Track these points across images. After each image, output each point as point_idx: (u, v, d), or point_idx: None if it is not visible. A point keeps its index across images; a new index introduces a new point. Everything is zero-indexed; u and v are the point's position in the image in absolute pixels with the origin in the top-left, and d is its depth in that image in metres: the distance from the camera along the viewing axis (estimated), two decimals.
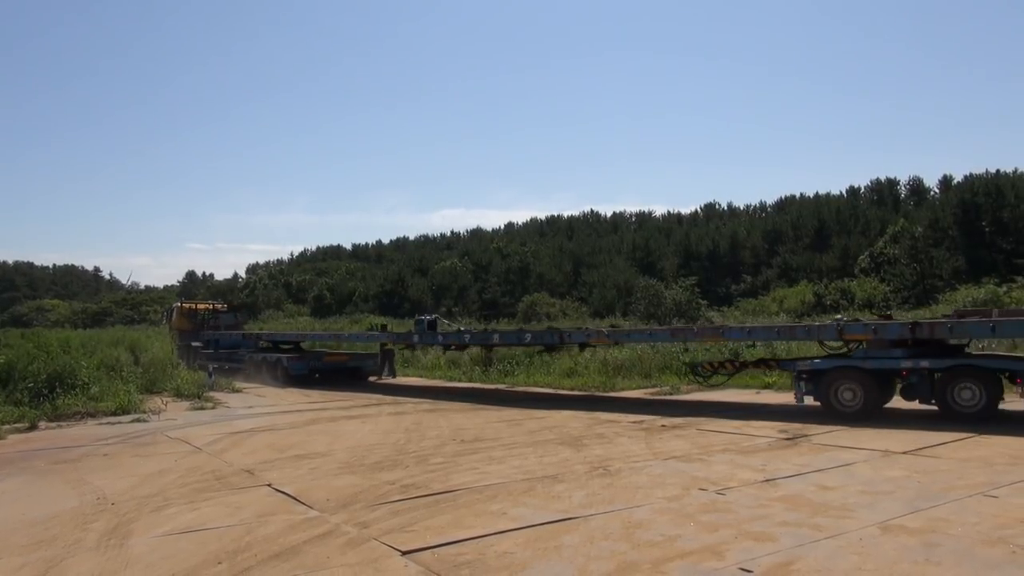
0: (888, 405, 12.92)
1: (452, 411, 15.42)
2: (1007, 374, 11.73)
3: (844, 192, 79.26)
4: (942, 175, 78.57)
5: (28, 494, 8.53)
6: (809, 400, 13.08)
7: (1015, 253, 46.16)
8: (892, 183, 76.46)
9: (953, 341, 12.63)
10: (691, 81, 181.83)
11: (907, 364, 12.07)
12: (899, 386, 12.63)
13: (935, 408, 12.04)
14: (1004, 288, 34.15)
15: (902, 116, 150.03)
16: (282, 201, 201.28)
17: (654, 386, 18.73)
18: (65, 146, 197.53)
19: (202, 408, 16.73)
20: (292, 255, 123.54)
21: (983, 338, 12.41)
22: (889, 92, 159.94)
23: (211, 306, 33.01)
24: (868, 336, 12.79)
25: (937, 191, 72.51)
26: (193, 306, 32.75)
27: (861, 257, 51.53)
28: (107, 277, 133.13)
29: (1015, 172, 59.98)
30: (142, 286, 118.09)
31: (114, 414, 15.19)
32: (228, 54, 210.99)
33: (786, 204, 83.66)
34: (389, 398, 18.54)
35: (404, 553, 5.80)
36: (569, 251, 78.56)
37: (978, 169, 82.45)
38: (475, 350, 23.80)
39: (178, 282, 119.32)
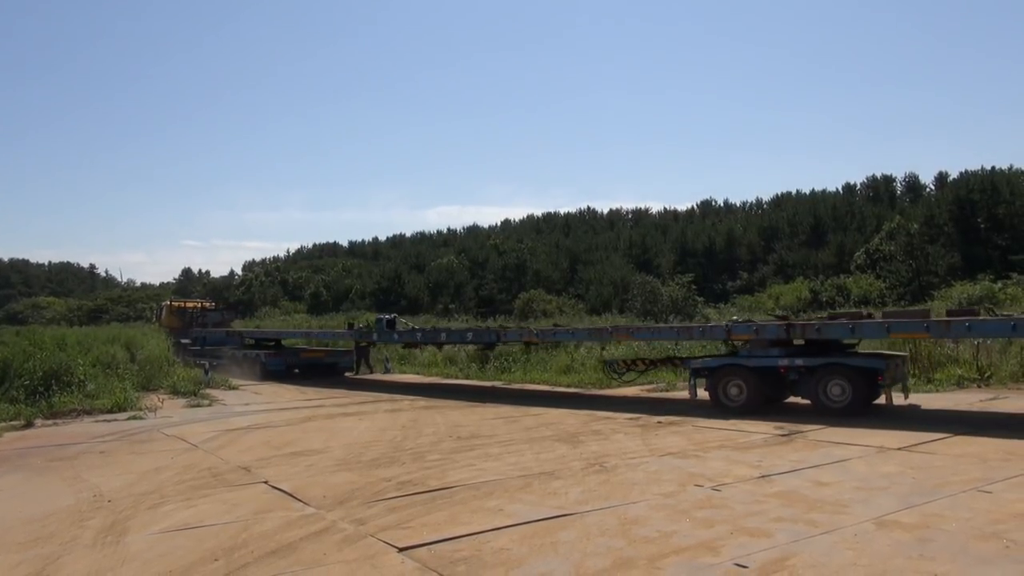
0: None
1: (449, 408, 15.44)
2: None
3: (840, 189, 79.39)
4: (938, 172, 78.78)
5: (24, 491, 8.52)
6: (703, 395, 13.83)
7: (1010, 250, 46.26)
8: (888, 180, 76.61)
9: (848, 340, 13.20)
10: (687, 78, 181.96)
11: (784, 362, 12.90)
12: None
13: (909, 404, 12.24)
14: (999, 284, 34.25)
15: (898, 112, 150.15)
16: (277, 198, 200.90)
17: (650, 383, 18.76)
18: (59, 143, 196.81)
19: (198, 405, 16.72)
20: (288, 252, 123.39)
21: (843, 338, 12.96)
22: (885, 88, 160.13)
23: (200, 304, 34.33)
24: (751, 336, 13.57)
25: (933, 188, 72.62)
26: (182, 304, 34.16)
27: (857, 254, 51.62)
28: (103, 274, 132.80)
29: (1011, 168, 60.08)
30: (138, 283, 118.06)
31: (110, 411, 15.17)
32: (222, 50, 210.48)
33: (782, 201, 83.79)
34: (385, 395, 18.54)
35: (401, 549, 5.82)
36: (566, 248, 78.56)
37: (974, 166, 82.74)
38: (471, 348, 23.85)
39: (174, 279, 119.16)
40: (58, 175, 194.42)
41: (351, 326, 25.57)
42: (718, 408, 13.27)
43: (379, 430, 12.59)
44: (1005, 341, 16.81)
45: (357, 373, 24.65)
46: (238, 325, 36.98)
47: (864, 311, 15.69)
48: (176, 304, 34.15)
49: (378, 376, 25.44)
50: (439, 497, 7.51)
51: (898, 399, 12.77)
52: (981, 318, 12.23)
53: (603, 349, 21.39)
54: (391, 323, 22.79)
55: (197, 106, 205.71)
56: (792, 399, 13.48)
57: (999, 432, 10.24)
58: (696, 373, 14.04)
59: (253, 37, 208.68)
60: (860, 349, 13.62)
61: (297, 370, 24.62)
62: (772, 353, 13.17)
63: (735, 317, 18.09)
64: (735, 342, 14.11)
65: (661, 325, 20.31)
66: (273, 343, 26.88)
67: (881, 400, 12.19)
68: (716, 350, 15.99)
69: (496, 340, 19.79)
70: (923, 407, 13.02)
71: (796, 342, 13.37)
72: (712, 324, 15.30)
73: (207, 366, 22.51)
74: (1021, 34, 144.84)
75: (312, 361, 25.20)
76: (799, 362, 12.75)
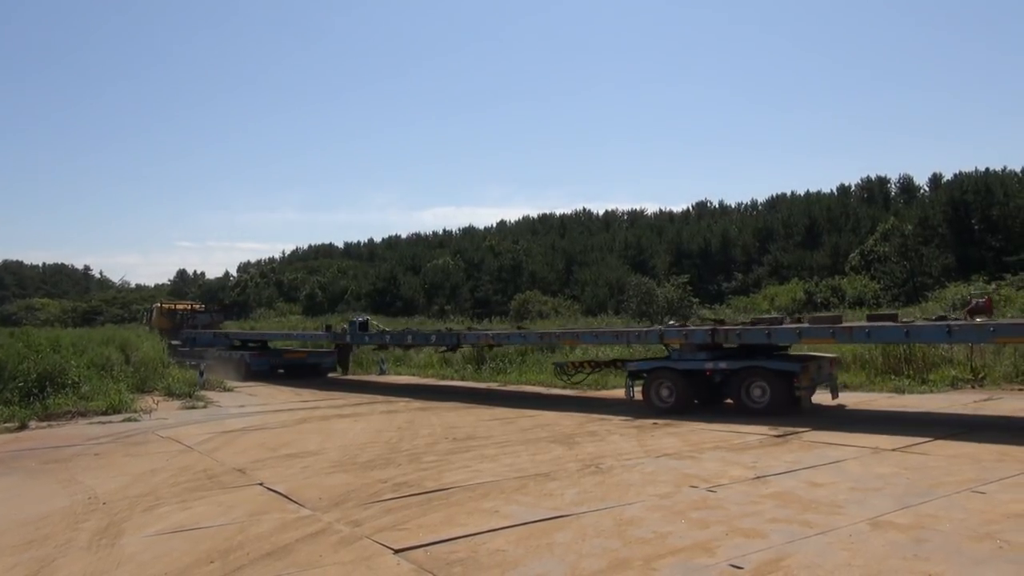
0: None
1: (444, 409, 15.43)
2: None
3: (835, 190, 79.66)
4: (932, 173, 79.24)
5: (19, 494, 8.49)
6: (638, 396, 14.30)
7: (1004, 251, 46.44)
8: (883, 181, 76.86)
9: (783, 343, 13.64)
10: (683, 80, 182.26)
11: (709, 365, 13.46)
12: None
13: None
14: (993, 285, 34.36)
15: (892, 114, 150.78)
16: (272, 199, 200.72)
17: None
18: (52, 144, 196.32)
19: (193, 407, 16.68)
20: (284, 253, 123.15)
21: (761, 343, 13.36)
22: (880, 90, 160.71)
23: (189, 306, 35.50)
24: (681, 340, 14.08)
25: (927, 189, 72.93)
26: (172, 306, 35.04)
27: (852, 255, 51.77)
28: (97, 276, 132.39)
29: (1004, 170, 60.39)
30: (132, 284, 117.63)
31: (105, 413, 15.11)
32: (215, 50, 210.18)
33: (777, 202, 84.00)
34: (381, 397, 18.53)
35: (397, 551, 5.81)
36: (561, 249, 78.62)
37: (967, 167, 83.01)
38: (467, 349, 23.85)
39: (169, 280, 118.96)
40: (52, 176, 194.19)
41: (329, 328, 26.03)
42: (651, 408, 13.73)
43: (375, 431, 12.58)
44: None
45: (345, 373, 25.44)
46: (232, 326, 37.43)
47: (784, 316, 16.63)
48: (166, 306, 35.03)
49: (374, 377, 25.45)
50: (435, 498, 7.51)
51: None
52: (879, 324, 12.71)
53: (569, 352, 21.45)
54: (363, 325, 23.45)
55: (190, 107, 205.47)
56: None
57: (993, 433, 10.29)
58: (633, 375, 14.54)
59: (247, 37, 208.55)
60: (795, 352, 14.19)
61: (282, 370, 25.26)
62: (699, 356, 13.66)
63: (671, 322, 18.91)
64: (668, 346, 14.58)
65: (603, 329, 21.12)
66: (259, 344, 27.48)
67: (823, 399, 12.75)
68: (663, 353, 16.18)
69: (457, 342, 20.41)
70: (848, 407, 13.62)
71: (727, 346, 13.85)
72: (647, 329, 16.06)
73: (202, 368, 22.50)
74: (1015, 35, 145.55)
75: (295, 362, 25.84)
76: (723, 365, 13.33)
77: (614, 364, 16.38)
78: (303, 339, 28.84)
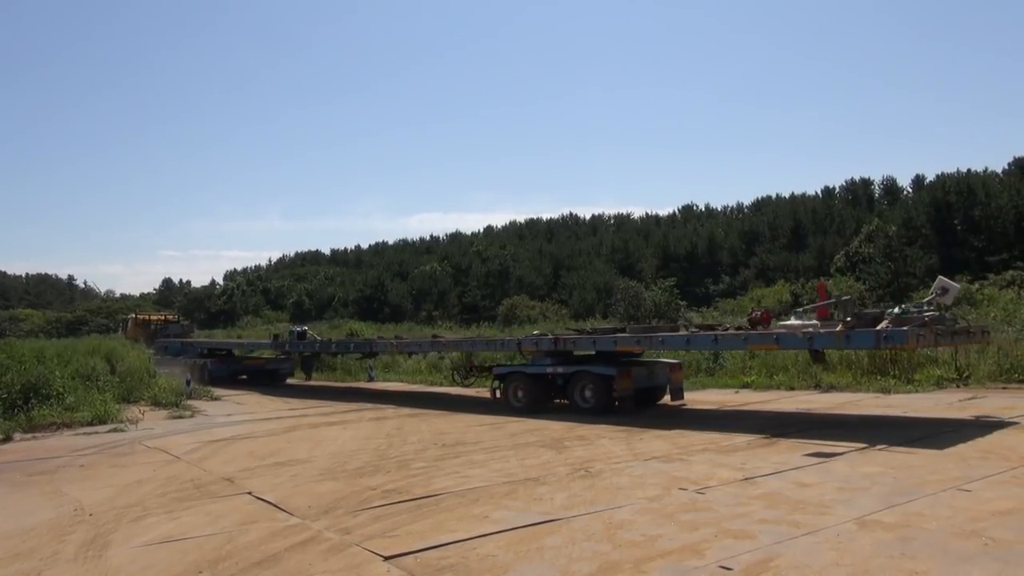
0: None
1: (433, 415, 15.40)
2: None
3: (819, 192, 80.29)
4: (915, 175, 79.81)
5: (4, 506, 8.40)
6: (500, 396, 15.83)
7: (987, 251, 46.97)
8: (866, 183, 77.52)
9: (605, 351, 14.70)
10: (667, 83, 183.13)
11: (550, 370, 14.99)
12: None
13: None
14: (977, 285, 34.71)
15: (875, 115, 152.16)
16: (256, 207, 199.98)
17: None
18: (34, 152, 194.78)
19: (180, 417, 16.55)
20: (270, 261, 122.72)
21: (586, 350, 14.97)
22: (863, 92, 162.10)
23: (163, 317, 37.98)
24: (533, 348, 15.71)
25: (910, 191, 73.61)
26: (147, 317, 37.32)
27: (837, 256, 52.15)
28: (81, 286, 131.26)
29: (986, 171, 61.07)
30: (117, 294, 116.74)
31: (90, 424, 14.96)
32: (199, 58, 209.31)
33: (763, 205, 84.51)
34: (370, 404, 18.45)
35: (386, 558, 5.80)
36: (549, 253, 78.75)
37: (950, 168, 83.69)
38: (457, 355, 23.84)
39: (154, 290, 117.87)
40: (35, 185, 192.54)
41: (276, 337, 27.83)
42: (508, 408, 15.31)
43: (364, 439, 12.54)
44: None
45: (307, 379, 26.85)
46: (223, 335, 38.29)
47: (627, 325, 18.64)
48: (141, 317, 37.38)
49: (362, 384, 25.38)
50: (425, 505, 7.50)
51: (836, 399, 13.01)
52: (670, 334, 14.75)
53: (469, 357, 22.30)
54: (301, 335, 25.78)
55: (173, 115, 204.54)
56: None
57: (977, 431, 10.39)
58: (497, 378, 16.16)
59: (231, 45, 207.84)
60: (648, 358, 15.59)
61: (245, 376, 26.99)
62: (545, 362, 15.24)
63: (536, 332, 20.81)
64: (524, 352, 16.24)
65: (476, 337, 23.55)
66: (225, 352, 29.09)
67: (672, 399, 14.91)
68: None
69: (370, 350, 22.32)
70: (690, 407, 14.91)
71: (579, 353, 15.27)
72: (508, 338, 17.74)
73: (188, 377, 22.42)
74: (998, 37, 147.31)
75: (254, 368, 27.56)
76: (560, 369, 14.85)
77: (489, 369, 17.80)
78: (253, 347, 30.35)
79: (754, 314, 14.32)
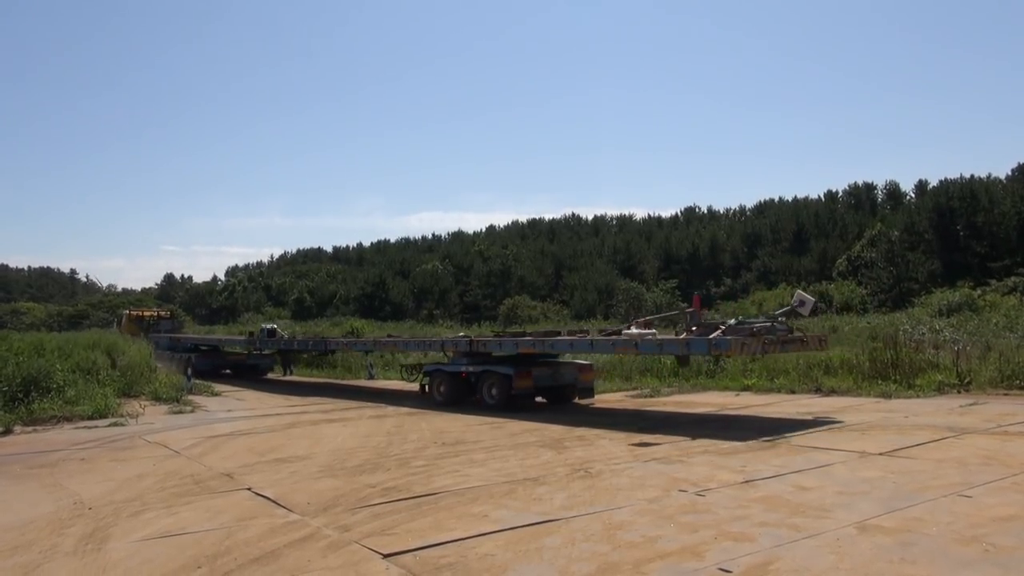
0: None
1: (433, 414, 15.39)
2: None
3: (822, 196, 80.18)
4: (918, 180, 79.81)
5: (3, 499, 8.41)
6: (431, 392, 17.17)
7: (989, 257, 46.88)
8: (869, 187, 77.43)
9: (508, 353, 15.97)
10: (672, 86, 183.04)
11: (464, 368, 16.42)
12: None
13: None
14: (978, 291, 34.66)
15: (879, 120, 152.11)
16: (257, 204, 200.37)
17: (635, 388, 18.85)
18: (37, 148, 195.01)
19: (180, 412, 16.57)
20: (272, 257, 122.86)
21: (497, 353, 16.08)
22: (867, 97, 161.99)
23: (156, 313, 39.58)
24: (455, 349, 17.14)
25: (913, 195, 73.48)
26: (140, 313, 38.65)
27: (839, 260, 52.13)
28: (83, 280, 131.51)
29: (989, 177, 61.03)
30: (119, 288, 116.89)
31: (91, 418, 14.98)
32: (201, 56, 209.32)
33: (765, 208, 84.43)
34: (370, 401, 18.46)
35: (385, 556, 5.80)
36: (551, 254, 78.71)
37: (953, 174, 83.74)
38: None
39: (156, 284, 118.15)
40: (37, 181, 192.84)
41: (251, 335, 29.16)
42: (431, 401, 16.83)
43: (364, 436, 12.53)
44: (983, 347, 17.11)
45: (284, 375, 28.36)
46: (220, 330, 38.94)
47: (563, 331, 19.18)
48: (135, 313, 38.70)
49: (362, 382, 25.38)
50: (424, 503, 7.49)
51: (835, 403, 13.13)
52: (560, 338, 15.58)
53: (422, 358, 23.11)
54: (271, 332, 27.67)
55: (175, 112, 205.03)
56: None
57: (979, 437, 10.35)
58: (426, 374, 17.75)
59: (233, 43, 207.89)
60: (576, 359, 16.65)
61: (228, 371, 28.45)
62: (461, 362, 16.64)
63: (462, 333, 22.14)
64: (446, 352, 17.67)
65: (409, 338, 25.61)
66: (209, 347, 30.72)
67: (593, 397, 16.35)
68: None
69: (326, 348, 23.84)
70: (595, 406, 15.92)
71: (498, 355, 16.17)
72: (434, 339, 19.73)
73: (189, 372, 22.44)
74: (1003, 44, 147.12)
75: (236, 363, 29.04)
76: (471, 368, 16.22)
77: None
78: (230, 344, 31.38)
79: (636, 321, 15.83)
